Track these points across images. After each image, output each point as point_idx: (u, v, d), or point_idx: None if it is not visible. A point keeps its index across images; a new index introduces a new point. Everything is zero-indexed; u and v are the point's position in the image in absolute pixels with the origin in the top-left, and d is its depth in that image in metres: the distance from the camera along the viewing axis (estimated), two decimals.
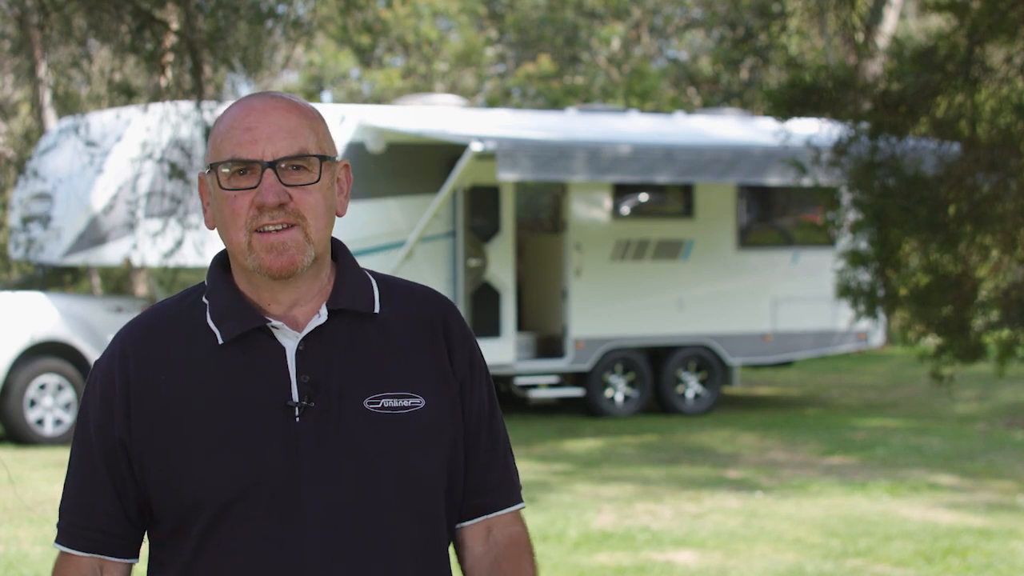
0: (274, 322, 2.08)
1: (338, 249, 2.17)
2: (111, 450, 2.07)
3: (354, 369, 2.09)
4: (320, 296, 2.12)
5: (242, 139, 2.04)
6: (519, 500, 2.24)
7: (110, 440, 2.07)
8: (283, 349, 2.07)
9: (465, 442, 2.16)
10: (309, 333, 2.08)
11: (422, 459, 2.08)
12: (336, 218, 2.13)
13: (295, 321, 2.09)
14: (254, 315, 2.08)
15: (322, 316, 2.09)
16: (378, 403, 2.07)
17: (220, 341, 2.07)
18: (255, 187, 2.03)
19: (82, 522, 2.11)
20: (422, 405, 2.09)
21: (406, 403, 2.09)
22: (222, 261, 2.16)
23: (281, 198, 2.03)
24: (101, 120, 13.32)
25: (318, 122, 2.11)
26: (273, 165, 2.03)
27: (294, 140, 2.05)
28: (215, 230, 2.11)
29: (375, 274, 2.21)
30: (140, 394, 2.06)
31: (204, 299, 2.13)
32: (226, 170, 2.05)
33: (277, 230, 2.03)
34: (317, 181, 2.06)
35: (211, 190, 2.10)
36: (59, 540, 2.13)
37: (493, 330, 13.90)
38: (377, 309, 2.14)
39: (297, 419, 2.04)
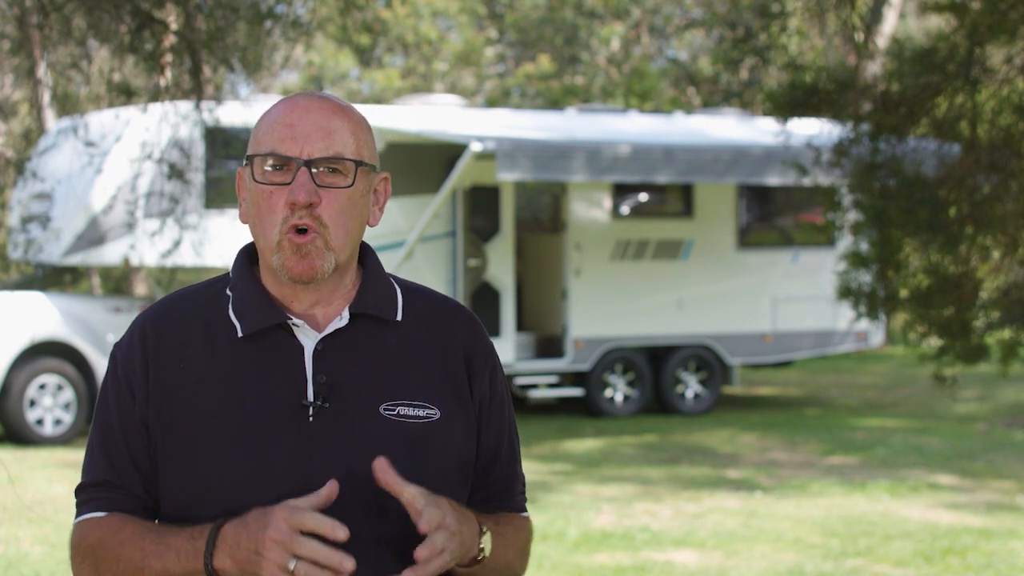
0: (295, 320, 2.08)
1: (366, 254, 2.17)
2: (131, 429, 2.07)
3: (371, 374, 2.09)
4: (343, 299, 2.12)
5: (283, 135, 2.05)
6: (524, 509, 2.26)
7: (131, 420, 2.08)
8: (301, 347, 2.07)
9: (483, 456, 2.17)
10: (328, 334, 2.08)
11: (431, 469, 2.08)
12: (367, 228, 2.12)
13: (316, 321, 2.10)
14: (275, 311, 2.08)
15: (343, 318, 2.09)
16: (394, 410, 2.08)
17: (240, 334, 2.08)
18: (288, 184, 2.03)
19: (103, 491, 2.09)
20: (437, 417, 2.10)
21: (421, 413, 2.09)
22: (248, 253, 2.16)
23: (311, 198, 2.02)
24: (100, 120, 13.31)
25: (361, 128, 2.10)
26: (308, 164, 2.03)
27: (332, 142, 2.05)
28: (247, 225, 2.11)
29: (401, 281, 2.20)
30: (157, 378, 2.07)
31: (228, 291, 2.13)
32: (263, 164, 2.05)
33: (303, 232, 2.03)
34: (350, 186, 2.06)
35: (247, 183, 2.10)
36: (80, 512, 2.10)
37: (493, 330, 13.87)
38: (400, 316, 2.14)
39: (311, 419, 2.04)
